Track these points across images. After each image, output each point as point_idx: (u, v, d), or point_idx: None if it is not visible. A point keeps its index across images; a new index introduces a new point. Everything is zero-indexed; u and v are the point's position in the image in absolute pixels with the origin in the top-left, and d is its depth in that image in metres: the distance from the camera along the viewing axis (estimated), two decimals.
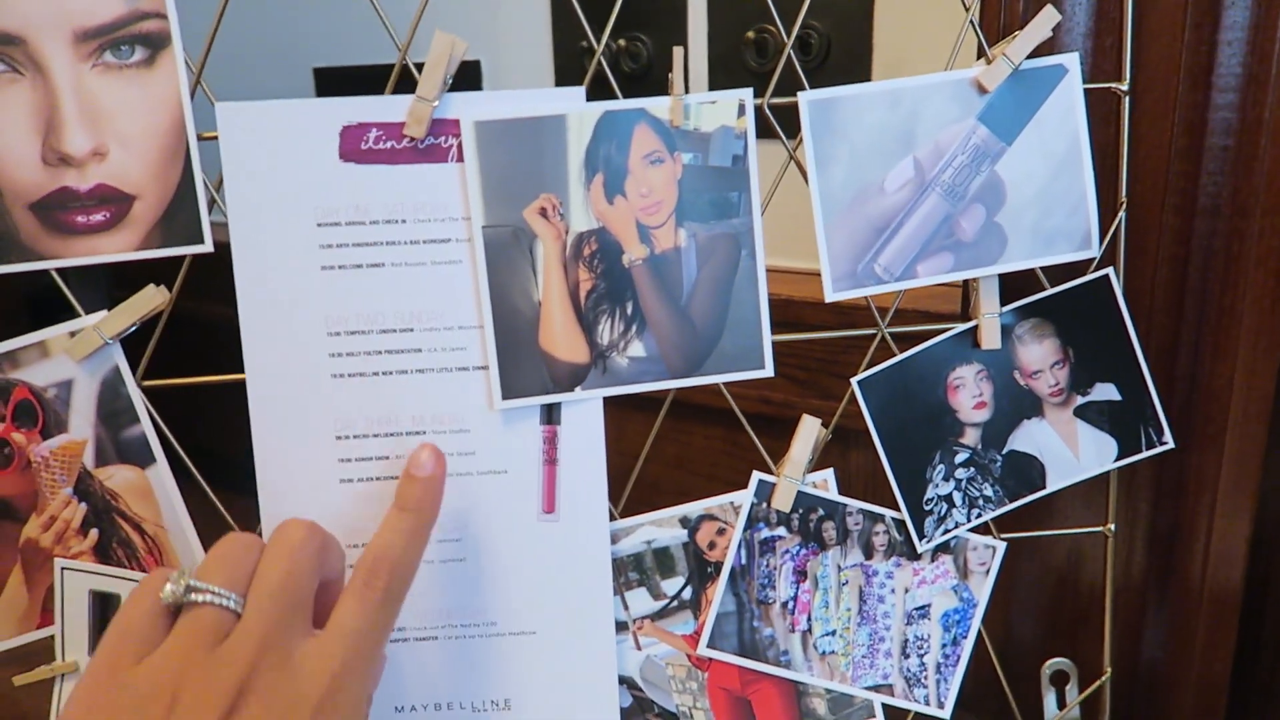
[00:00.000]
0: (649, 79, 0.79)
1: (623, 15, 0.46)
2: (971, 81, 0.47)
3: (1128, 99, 0.48)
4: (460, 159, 0.46)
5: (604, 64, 0.47)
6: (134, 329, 0.47)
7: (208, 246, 0.46)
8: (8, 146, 0.44)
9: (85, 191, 0.45)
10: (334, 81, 0.97)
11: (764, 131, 0.47)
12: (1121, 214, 0.48)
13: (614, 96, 0.46)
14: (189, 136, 0.45)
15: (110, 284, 0.48)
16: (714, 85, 0.75)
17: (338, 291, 0.46)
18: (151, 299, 0.46)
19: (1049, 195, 0.48)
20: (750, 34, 0.74)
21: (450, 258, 0.47)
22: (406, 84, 0.46)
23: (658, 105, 0.46)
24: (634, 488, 0.49)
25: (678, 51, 0.46)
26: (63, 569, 0.47)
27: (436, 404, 0.48)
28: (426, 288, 0.47)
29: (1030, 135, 0.47)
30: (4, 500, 0.47)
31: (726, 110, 0.47)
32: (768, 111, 0.47)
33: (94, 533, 0.47)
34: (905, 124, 0.47)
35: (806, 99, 0.46)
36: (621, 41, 0.80)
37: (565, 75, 0.85)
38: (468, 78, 0.83)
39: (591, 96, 0.46)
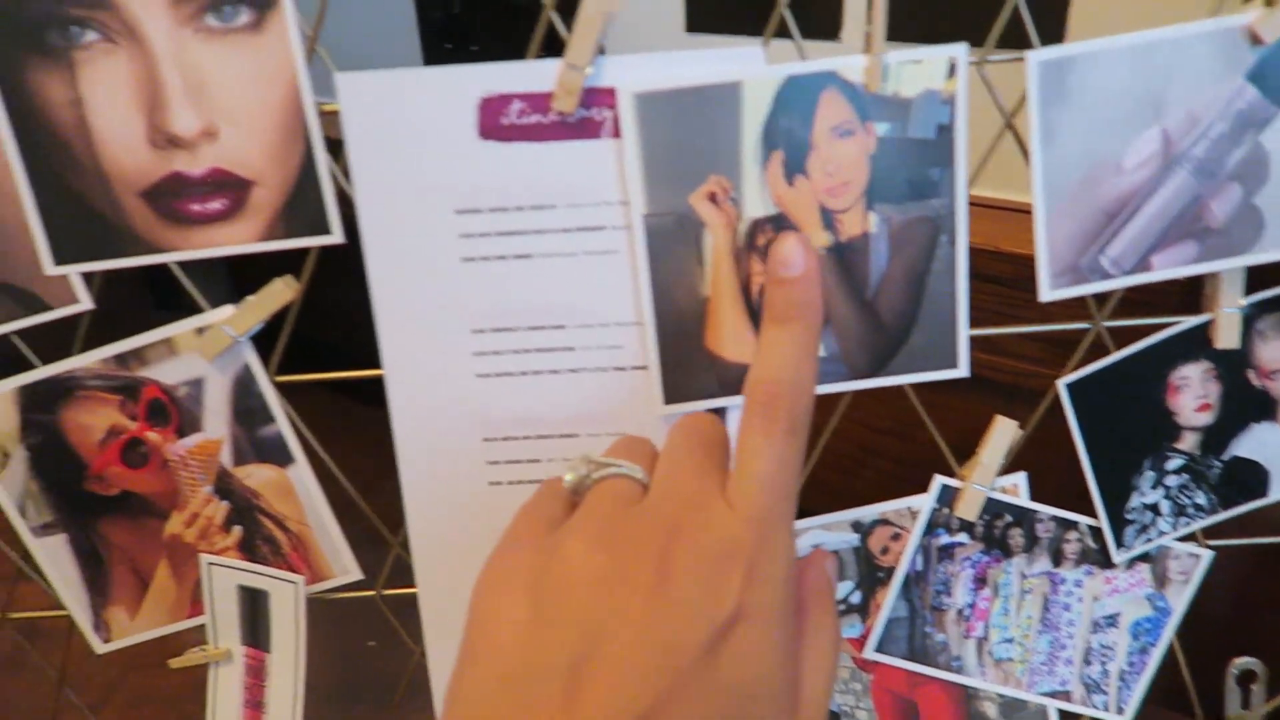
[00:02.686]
0: None
1: None
2: (1243, 31, 0.37)
3: None
4: (616, 134, 0.38)
5: None
6: (263, 325, 0.41)
7: (337, 237, 0.40)
8: (109, 127, 0.38)
9: (199, 176, 0.39)
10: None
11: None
12: None
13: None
14: (307, 111, 0.38)
15: (233, 272, 0.42)
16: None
17: (481, 285, 0.40)
18: (280, 294, 0.41)
19: None
20: None
21: (605, 247, 0.40)
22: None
23: (850, 67, 0.37)
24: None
25: None
26: (209, 565, 0.44)
27: (591, 406, 0.42)
28: (579, 281, 0.40)
29: None
30: (144, 498, 0.44)
31: (933, 71, 0.38)
32: (981, 75, 0.38)
33: (237, 529, 0.44)
34: (1154, 87, 0.37)
35: (1037, 59, 0.37)
36: None
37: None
38: None
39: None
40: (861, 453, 0.67)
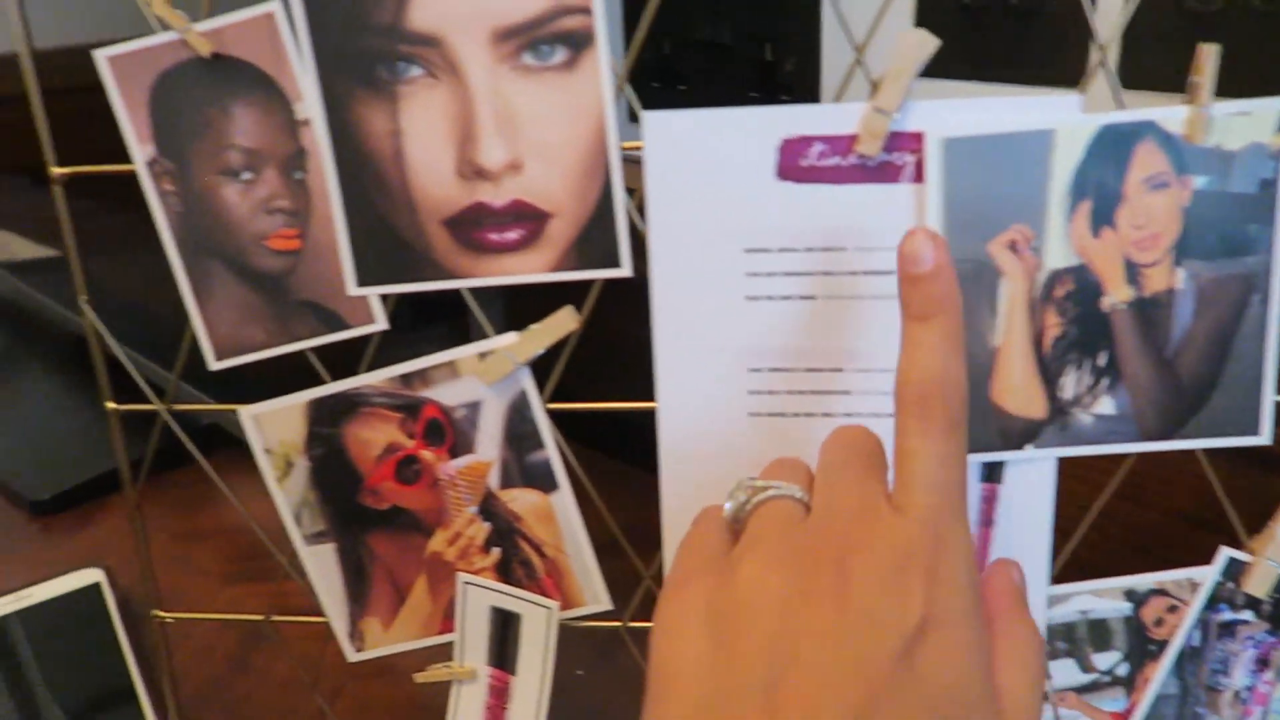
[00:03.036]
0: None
1: None
2: None
3: None
4: (917, 179, 0.37)
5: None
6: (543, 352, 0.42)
7: (626, 270, 0.40)
8: (424, 159, 0.39)
9: (500, 207, 0.40)
10: None
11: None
12: None
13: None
14: (610, 148, 0.39)
15: (504, 298, 0.43)
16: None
17: (762, 324, 0.40)
18: (565, 323, 0.41)
19: None
20: None
21: (893, 292, 0.39)
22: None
23: (1172, 117, 0.36)
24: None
25: (1208, 49, 0.35)
26: (466, 584, 0.45)
27: None
28: (862, 325, 0.39)
29: None
30: (412, 514, 0.45)
31: (1262, 123, 0.36)
32: None
33: (496, 551, 0.44)
34: None
35: None
36: None
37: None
38: None
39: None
40: (1083, 514, 0.63)
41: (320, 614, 0.48)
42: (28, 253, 0.97)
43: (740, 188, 0.38)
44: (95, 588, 0.65)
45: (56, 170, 0.41)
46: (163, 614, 0.48)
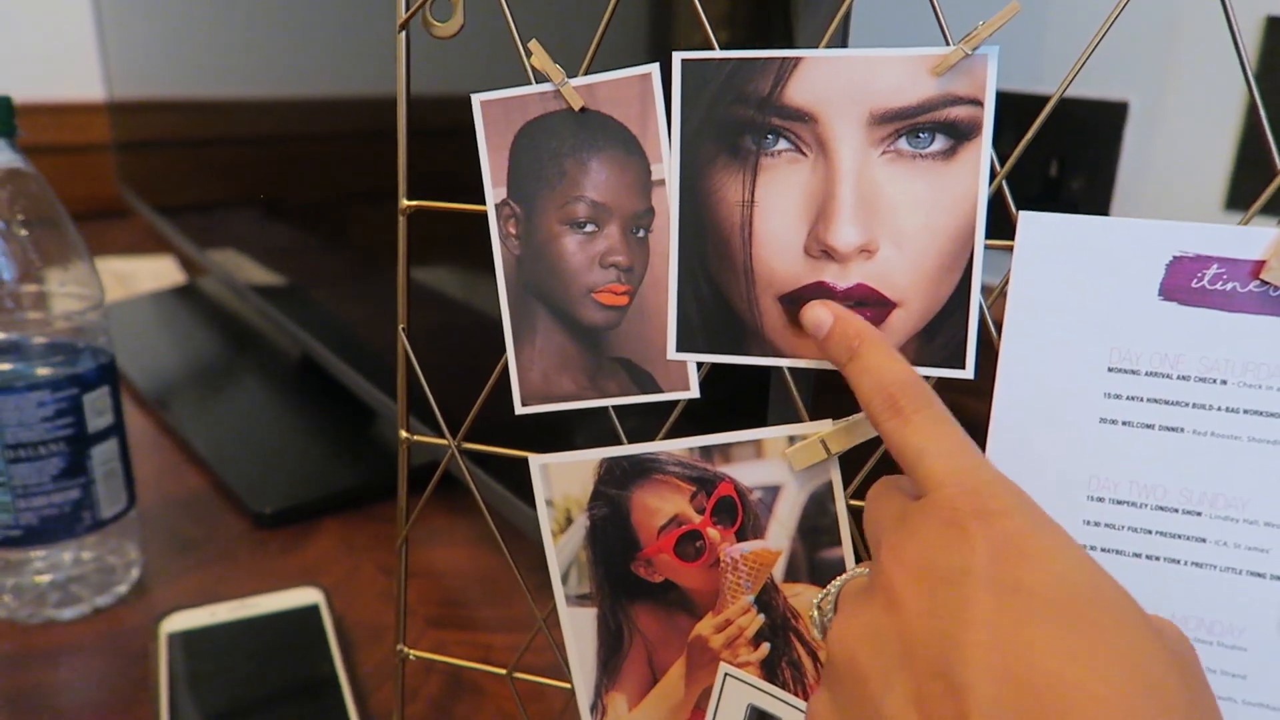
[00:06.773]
0: None
1: None
2: None
3: None
4: None
5: None
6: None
7: (968, 373, 0.36)
8: (773, 232, 0.36)
9: (842, 290, 0.36)
10: None
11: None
12: None
13: None
14: (977, 244, 0.35)
15: (813, 386, 0.39)
16: None
17: (1113, 451, 0.34)
18: None
19: None
20: None
21: (1275, 437, 0.33)
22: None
23: None
24: None
25: None
26: (726, 675, 0.40)
27: (1209, 608, 0.34)
28: (1235, 469, 0.33)
29: None
30: (684, 592, 0.40)
31: None
32: None
33: (765, 646, 0.40)
34: None
35: None
36: None
37: None
38: (1108, 121, 0.66)
39: None
40: None
41: (558, 678, 0.43)
42: (257, 277, 1.00)
43: (1114, 302, 0.33)
44: (314, 609, 0.62)
45: (405, 203, 0.40)
46: (407, 649, 0.45)
